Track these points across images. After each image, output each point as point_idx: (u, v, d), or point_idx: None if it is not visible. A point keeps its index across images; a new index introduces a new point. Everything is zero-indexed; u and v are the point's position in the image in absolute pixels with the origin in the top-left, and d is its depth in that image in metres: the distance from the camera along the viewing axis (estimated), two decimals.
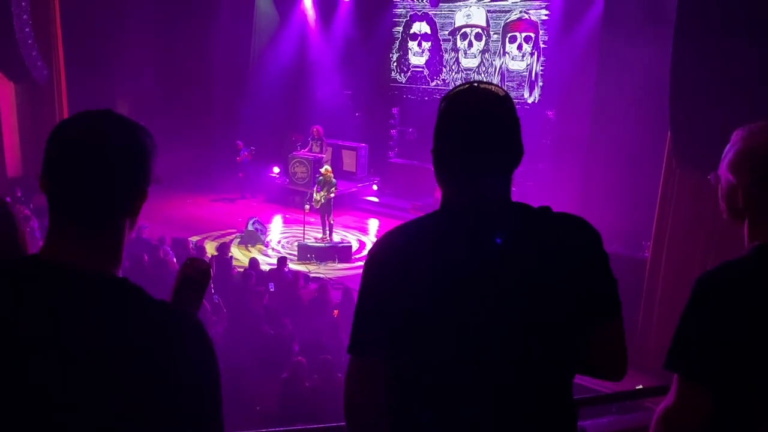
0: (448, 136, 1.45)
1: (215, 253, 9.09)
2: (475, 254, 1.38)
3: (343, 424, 1.54)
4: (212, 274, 6.56)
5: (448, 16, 13.59)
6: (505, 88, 1.68)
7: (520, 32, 12.66)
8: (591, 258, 1.41)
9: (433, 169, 1.50)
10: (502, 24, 12.85)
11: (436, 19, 13.76)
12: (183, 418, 1.09)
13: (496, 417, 1.39)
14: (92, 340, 1.05)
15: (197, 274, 1.30)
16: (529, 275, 1.37)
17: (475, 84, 1.46)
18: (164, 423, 1.07)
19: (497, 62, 13.01)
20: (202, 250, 9.22)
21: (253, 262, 8.71)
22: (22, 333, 1.05)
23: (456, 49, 13.56)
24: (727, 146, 1.58)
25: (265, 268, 9.15)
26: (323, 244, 10.50)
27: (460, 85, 1.49)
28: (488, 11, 13.00)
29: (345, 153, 13.90)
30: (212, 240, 10.65)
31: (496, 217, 1.42)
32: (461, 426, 1.39)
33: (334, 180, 10.92)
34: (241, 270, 8.57)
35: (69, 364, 1.04)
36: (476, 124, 1.42)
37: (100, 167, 1.11)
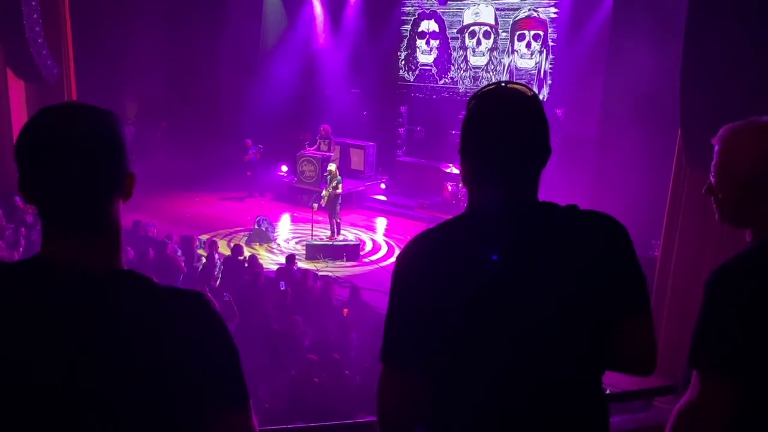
0: (475, 137, 1.44)
1: (228, 253, 9.11)
2: (506, 258, 1.38)
3: (350, 421, 1.55)
4: (223, 274, 6.49)
5: (456, 14, 13.56)
6: None
7: (529, 30, 12.61)
8: (619, 254, 1.42)
9: (459, 169, 1.49)
10: (511, 22, 12.81)
11: (444, 17, 13.73)
12: (208, 393, 1.11)
13: (531, 416, 1.39)
14: (107, 333, 1.07)
15: None
16: (560, 275, 1.37)
17: (503, 84, 1.45)
18: (190, 400, 1.10)
19: (506, 60, 12.98)
20: (215, 245, 9.23)
21: (252, 259, 8.69)
22: (36, 332, 1.06)
23: (464, 47, 13.53)
24: None
25: (273, 266, 9.17)
26: (331, 243, 10.51)
27: (487, 85, 1.47)
28: (497, 9, 12.97)
29: (353, 151, 13.90)
30: (221, 238, 10.69)
31: (524, 219, 1.42)
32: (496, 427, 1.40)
33: (339, 176, 10.95)
34: (247, 265, 8.58)
35: (88, 359, 1.05)
36: (503, 124, 1.40)
37: (74, 155, 1.09)
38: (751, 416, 1.45)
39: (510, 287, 1.37)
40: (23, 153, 1.11)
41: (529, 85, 13.06)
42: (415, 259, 1.44)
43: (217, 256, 8.82)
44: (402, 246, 1.48)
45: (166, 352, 1.08)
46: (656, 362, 1.48)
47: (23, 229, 8.50)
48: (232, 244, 9.83)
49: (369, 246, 10.97)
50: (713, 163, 1.58)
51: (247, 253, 9.35)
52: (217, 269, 8.54)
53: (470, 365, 1.40)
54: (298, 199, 12.92)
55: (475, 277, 1.37)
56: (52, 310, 1.07)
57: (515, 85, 1.45)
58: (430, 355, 1.41)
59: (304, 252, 10.28)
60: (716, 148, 1.57)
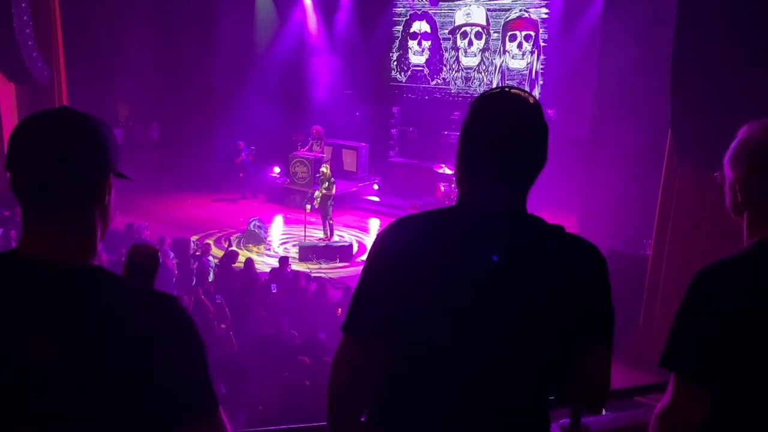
0: (474, 139, 1.45)
1: (221, 255, 9.08)
2: (481, 258, 1.39)
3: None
4: (216, 277, 6.40)
5: (448, 15, 13.59)
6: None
7: (520, 31, 12.65)
8: (594, 284, 1.43)
9: (454, 169, 1.52)
10: (502, 22, 12.85)
11: (436, 18, 13.76)
12: (173, 394, 1.12)
13: (474, 408, 1.41)
14: (74, 329, 1.08)
15: (143, 259, 1.31)
16: (530, 289, 1.39)
17: (507, 89, 1.47)
18: (156, 406, 1.10)
19: (497, 61, 13.01)
20: (208, 248, 9.19)
21: (249, 262, 8.68)
22: (7, 326, 1.08)
23: (456, 48, 13.55)
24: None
25: (265, 268, 9.15)
26: (324, 244, 10.50)
27: (491, 89, 1.49)
28: (488, 10, 13.00)
29: (345, 152, 13.90)
30: (213, 239, 10.66)
31: (507, 226, 1.43)
32: (440, 412, 1.42)
33: (332, 178, 10.95)
34: (241, 269, 8.55)
35: (55, 353, 1.07)
36: (503, 130, 1.42)
37: (53, 157, 1.15)
38: (724, 423, 1.45)
39: (481, 290, 1.38)
40: (8, 154, 1.18)
41: (521, 86, 13.17)
42: (396, 241, 1.46)
43: (211, 258, 8.79)
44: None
45: (132, 352, 1.09)
46: (605, 401, 1.49)
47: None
48: (226, 246, 9.81)
49: (355, 247, 10.94)
50: (729, 153, 1.56)
51: (241, 255, 9.32)
52: (211, 271, 8.51)
53: (428, 355, 1.42)
54: (290, 200, 12.91)
55: (449, 272, 1.39)
56: (21, 303, 1.09)
57: (518, 91, 1.46)
58: (391, 334, 1.43)
59: (296, 254, 10.25)
60: (737, 141, 1.54)
